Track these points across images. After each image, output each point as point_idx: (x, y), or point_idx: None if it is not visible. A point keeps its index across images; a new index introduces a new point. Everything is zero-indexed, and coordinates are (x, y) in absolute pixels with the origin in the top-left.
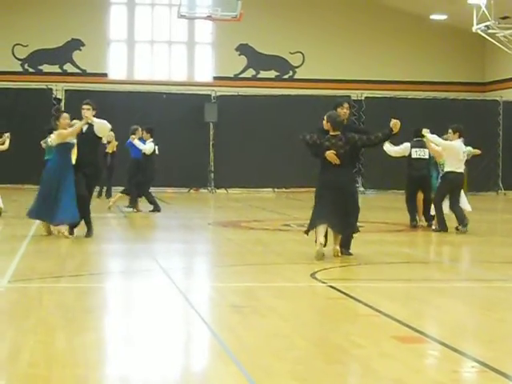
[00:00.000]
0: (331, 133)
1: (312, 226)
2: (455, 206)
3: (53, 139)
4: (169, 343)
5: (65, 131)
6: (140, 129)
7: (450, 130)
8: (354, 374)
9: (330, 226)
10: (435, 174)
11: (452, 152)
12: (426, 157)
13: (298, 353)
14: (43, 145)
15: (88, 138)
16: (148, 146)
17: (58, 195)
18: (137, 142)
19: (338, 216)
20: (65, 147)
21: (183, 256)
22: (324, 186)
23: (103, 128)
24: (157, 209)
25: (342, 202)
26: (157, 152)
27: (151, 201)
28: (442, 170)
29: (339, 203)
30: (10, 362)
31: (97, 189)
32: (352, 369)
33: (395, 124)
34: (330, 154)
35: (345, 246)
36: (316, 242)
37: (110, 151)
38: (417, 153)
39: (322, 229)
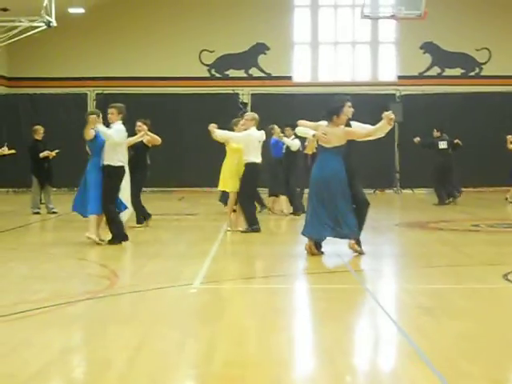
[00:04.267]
0: None
1: None
2: None
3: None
4: (359, 343)
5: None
6: (276, 127)
7: None
8: None
9: None
10: None
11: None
12: None
13: (490, 355)
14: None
15: None
16: (295, 143)
17: None
18: (286, 140)
19: None
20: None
21: (371, 257)
22: None
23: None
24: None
25: None
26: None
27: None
28: None
29: None
30: (205, 362)
31: None
32: None
33: None
34: None
35: None
36: None
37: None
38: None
39: None
